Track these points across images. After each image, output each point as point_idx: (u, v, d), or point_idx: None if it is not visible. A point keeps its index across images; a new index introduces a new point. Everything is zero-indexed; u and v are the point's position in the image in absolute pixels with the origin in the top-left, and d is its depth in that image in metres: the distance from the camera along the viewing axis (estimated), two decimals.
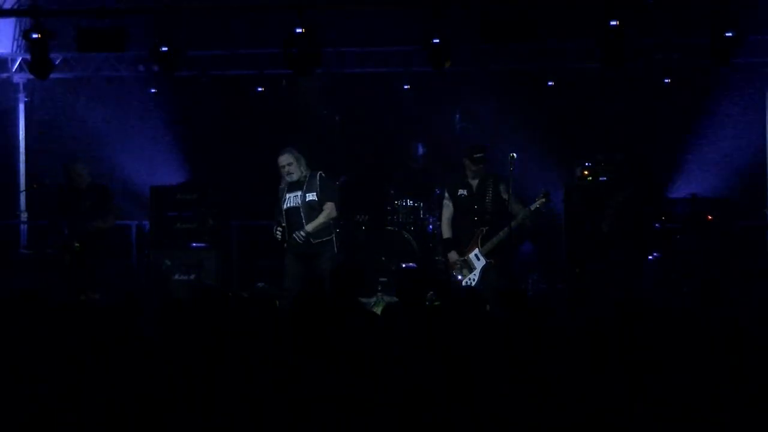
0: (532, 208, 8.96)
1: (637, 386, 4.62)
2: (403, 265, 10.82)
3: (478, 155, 9.08)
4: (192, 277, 11.11)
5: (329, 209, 9.17)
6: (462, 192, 9.18)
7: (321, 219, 9.13)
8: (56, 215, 9.83)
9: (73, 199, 9.80)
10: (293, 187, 9.23)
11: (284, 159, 9.16)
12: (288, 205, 9.23)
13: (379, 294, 11.11)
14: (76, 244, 9.59)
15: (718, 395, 4.55)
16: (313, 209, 9.15)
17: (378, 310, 9.57)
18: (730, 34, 9.74)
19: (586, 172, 10.88)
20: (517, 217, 8.91)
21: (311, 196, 9.18)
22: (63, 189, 9.98)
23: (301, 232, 9.06)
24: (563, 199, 10.76)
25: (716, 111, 11.77)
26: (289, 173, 9.12)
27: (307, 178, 9.22)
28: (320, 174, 9.25)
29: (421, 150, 12.70)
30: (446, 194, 9.34)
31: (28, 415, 4.69)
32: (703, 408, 4.51)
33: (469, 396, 4.59)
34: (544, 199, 8.98)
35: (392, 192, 12.07)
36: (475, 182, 9.14)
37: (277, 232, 9.15)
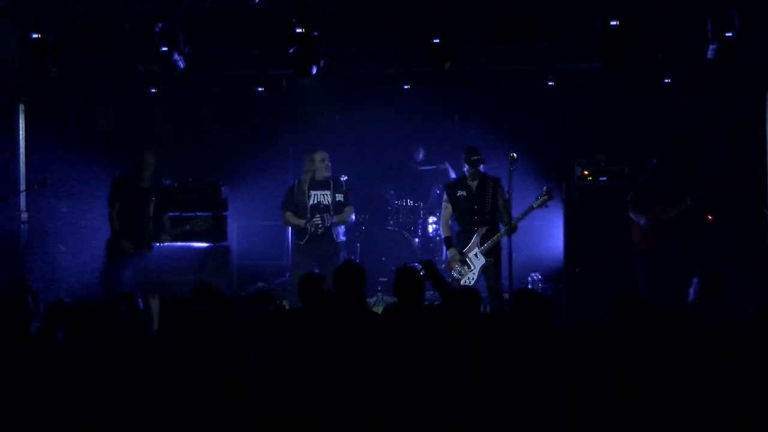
0: (535, 205, 9.02)
1: (637, 386, 4.62)
2: (408, 265, 10.81)
3: (475, 157, 9.14)
4: (192, 277, 11.11)
5: (352, 212, 9.49)
6: (461, 193, 9.23)
7: (345, 216, 9.42)
8: (125, 210, 9.77)
9: (138, 198, 9.75)
10: (320, 185, 9.40)
11: (322, 154, 9.47)
12: (314, 201, 9.37)
13: (379, 294, 11.12)
14: (145, 250, 9.65)
15: (717, 394, 4.55)
16: (340, 210, 9.37)
17: (378, 310, 9.58)
18: (730, 34, 9.74)
19: (586, 172, 10.89)
20: (517, 216, 8.98)
21: (340, 198, 9.43)
22: (124, 181, 9.89)
23: (327, 216, 9.23)
24: (563, 199, 10.75)
25: (716, 111, 11.76)
26: (325, 168, 9.37)
27: (332, 180, 9.40)
28: (341, 178, 9.54)
29: (421, 151, 12.70)
30: (445, 196, 9.39)
31: (27, 415, 4.69)
32: (703, 407, 4.51)
33: (469, 395, 4.59)
34: (546, 197, 9.03)
35: (392, 192, 12.08)
36: (474, 183, 9.18)
37: (317, 220, 9.26)
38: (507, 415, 4.51)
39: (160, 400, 4.66)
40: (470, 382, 4.67)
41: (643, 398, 4.55)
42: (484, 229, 9.09)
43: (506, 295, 8.81)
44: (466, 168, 9.24)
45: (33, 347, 5.32)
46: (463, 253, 9.15)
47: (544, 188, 9.14)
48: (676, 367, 4.75)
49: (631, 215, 10.04)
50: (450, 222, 9.38)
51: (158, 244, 10.70)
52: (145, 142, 12.62)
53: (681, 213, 9.54)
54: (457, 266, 9.13)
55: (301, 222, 9.35)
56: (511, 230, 8.97)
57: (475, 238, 9.10)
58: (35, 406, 4.72)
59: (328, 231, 9.34)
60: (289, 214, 9.47)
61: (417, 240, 11.69)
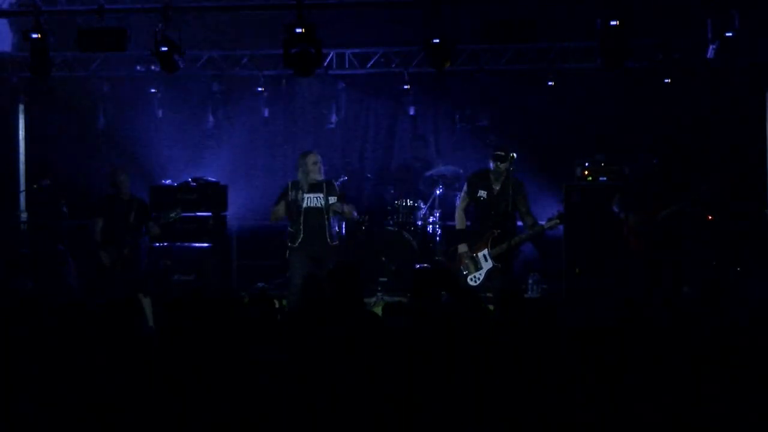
0: (546, 226, 9.01)
1: (637, 386, 4.63)
2: (417, 266, 10.79)
3: (501, 162, 9.04)
4: (192, 277, 11.11)
5: (353, 209, 9.52)
6: (482, 194, 9.18)
7: (352, 209, 9.49)
8: (108, 223, 9.89)
9: (119, 209, 9.87)
10: (313, 188, 9.36)
11: (314, 157, 9.40)
12: (308, 204, 9.34)
13: (379, 294, 11.11)
14: (126, 251, 9.73)
15: (718, 395, 4.55)
16: (335, 212, 9.34)
17: (378, 310, 9.57)
18: (730, 34, 9.74)
19: (586, 172, 10.88)
20: (530, 228, 8.97)
21: (333, 200, 9.37)
22: (107, 198, 10.05)
23: (339, 205, 9.34)
24: (563, 199, 10.75)
25: (716, 111, 11.76)
26: (318, 171, 9.34)
27: (325, 182, 9.38)
28: (341, 179, 9.52)
29: (421, 150, 12.71)
30: (466, 187, 9.34)
31: (28, 415, 4.69)
32: (703, 408, 4.51)
33: (469, 396, 4.59)
34: (557, 220, 9.04)
35: (392, 192, 12.07)
36: (497, 186, 9.13)
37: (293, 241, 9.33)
38: (507, 415, 4.51)
39: (160, 400, 4.66)
40: (471, 381, 4.67)
41: (643, 398, 4.56)
42: (496, 232, 9.08)
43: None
44: (492, 166, 9.16)
45: (35, 348, 5.32)
46: (474, 250, 9.15)
47: (557, 212, 9.16)
48: (675, 368, 4.76)
49: (618, 212, 9.80)
50: (464, 213, 9.37)
51: (157, 244, 10.76)
52: (145, 141, 12.68)
53: (675, 214, 9.45)
54: (466, 262, 9.14)
55: (279, 211, 9.43)
56: (532, 238, 9.02)
57: (486, 239, 9.11)
58: (36, 404, 4.72)
59: (321, 233, 9.32)
60: (276, 209, 9.51)
61: (417, 240, 11.69)
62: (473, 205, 9.27)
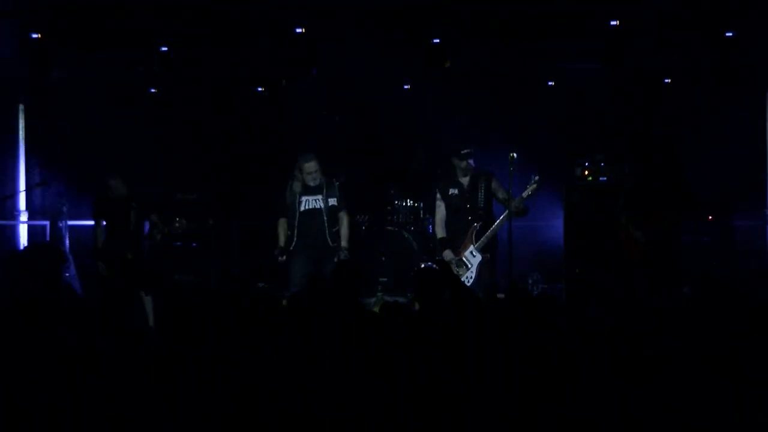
0: (525, 195, 8.93)
1: (637, 386, 4.63)
2: (423, 265, 10.81)
3: (465, 151, 9.05)
4: (192, 277, 11.11)
5: (348, 217, 9.45)
6: (453, 191, 9.16)
7: (347, 230, 9.38)
8: (110, 225, 9.88)
9: (117, 210, 9.85)
10: (312, 190, 9.35)
11: (312, 165, 9.34)
12: (306, 207, 9.34)
13: (379, 294, 11.11)
14: (129, 255, 9.71)
15: (718, 395, 4.56)
16: (333, 214, 9.34)
17: (378, 310, 9.57)
18: (730, 34, 9.75)
19: (586, 172, 10.88)
20: (510, 206, 8.88)
21: (332, 201, 9.37)
22: (103, 200, 10.03)
23: (345, 252, 9.27)
24: (563, 199, 10.75)
25: (716, 111, 11.76)
26: (314, 179, 9.31)
27: (324, 184, 9.36)
28: (334, 180, 9.48)
29: (420, 150, 12.70)
30: (437, 195, 9.31)
31: (27, 415, 4.70)
32: (702, 408, 4.51)
33: (468, 394, 4.60)
34: (535, 185, 8.95)
35: (392, 192, 12.07)
36: (465, 180, 9.12)
37: (282, 257, 9.33)
38: (505, 414, 4.51)
39: (160, 399, 4.66)
40: (470, 380, 4.68)
41: (642, 398, 4.56)
42: (477, 225, 9.04)
43: (501, 295, 8.74)
44: (455, 163, 9.15)
45: (34, 346, 5.32)
46: (459, 252, 9.11)
47: (534, 177, 8.99)
48: (675, 368, 4.76)
49: (624, 221, 9.75)
50: (444, 221, 9.32)
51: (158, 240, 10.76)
52: (145, 141, 12.67)
53: (674, 232, 9.40)
54: (453, 267, 9.10)
55: (281, 239, 9.40)
56: (518, 214, 8.86)
57: (469, 236, 9.06)
58: (35, 403, 4.72)
59: (321, 234, 9.32)
60: (281, 222, 9.48)
61: (417, 240, 11.69)
62: (448, 206, 9.21)
